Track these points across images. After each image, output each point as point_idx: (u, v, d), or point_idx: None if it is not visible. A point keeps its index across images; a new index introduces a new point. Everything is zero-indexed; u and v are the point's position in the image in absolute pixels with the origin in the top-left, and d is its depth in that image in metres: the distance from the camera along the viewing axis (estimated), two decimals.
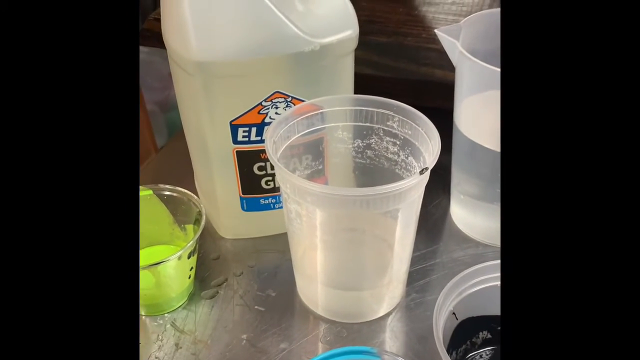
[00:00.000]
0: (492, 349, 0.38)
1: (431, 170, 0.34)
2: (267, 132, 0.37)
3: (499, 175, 0.42)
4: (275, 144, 0.37)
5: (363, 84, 0.46)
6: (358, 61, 0.56)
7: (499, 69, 0.38)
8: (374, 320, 0.41)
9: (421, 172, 0.33)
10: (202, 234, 0.44)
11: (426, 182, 0.36)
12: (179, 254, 0.38)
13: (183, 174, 0.51)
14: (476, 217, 0.47)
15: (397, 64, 0.52)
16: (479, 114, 0.43)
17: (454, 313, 0.35)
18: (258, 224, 0.47)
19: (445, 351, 0.31)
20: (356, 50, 0.45)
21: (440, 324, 0.33)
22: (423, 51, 0.49)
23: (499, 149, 0.41)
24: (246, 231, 0.48)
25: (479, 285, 0.36)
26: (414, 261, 0.45)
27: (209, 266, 0.46)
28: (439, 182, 0.51)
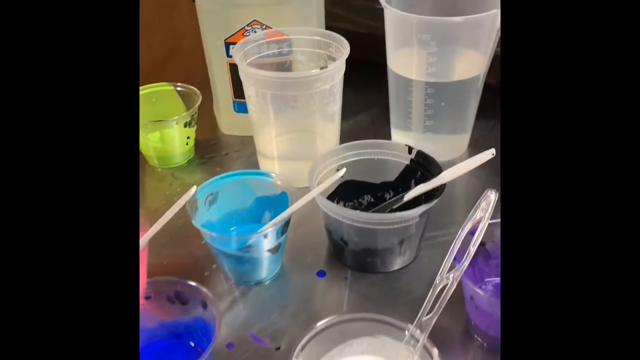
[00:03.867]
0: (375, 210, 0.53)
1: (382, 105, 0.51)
2: (239, 43, 0.55)
3: (411, 101, 0.57)
4: (245, 52, 0.56)
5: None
6: (341, 18, 0.73)
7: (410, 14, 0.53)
8: None
9: (321, 69, 0.50)
10: (209, 130, 0.63)
11: (334, 80, 0.52)
12: (176, 119, 0.58)
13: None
14: (402, 138, 0.62)
15: (370, 22, 0.69)
16: (404, 52, 0.58)
17: (338, 171, 0.51)
18: (247, 124, 0.65)
19: (314, 181, 0.47)
20: (338, 10, 0.62)
21: (317, 174, 0.49)
22: None
23: (413, 77, 0.56)
24: (238, 129, 0.67)
25: (360, 156, 0.51)
26: None
27: (208, 147, 0.66)
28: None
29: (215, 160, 0.64)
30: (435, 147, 0.60)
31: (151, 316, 0.39)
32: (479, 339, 0.41)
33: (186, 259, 0.50)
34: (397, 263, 0.48)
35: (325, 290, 0.47)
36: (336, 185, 0.52)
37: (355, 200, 0.53)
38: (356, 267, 0.48)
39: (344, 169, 0.47)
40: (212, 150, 0.65)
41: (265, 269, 0.47)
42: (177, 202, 0.40)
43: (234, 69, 0.62)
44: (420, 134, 0.59)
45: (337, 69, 0.53)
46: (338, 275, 0.48)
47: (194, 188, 0.42)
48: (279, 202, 0.48)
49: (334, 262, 0.50)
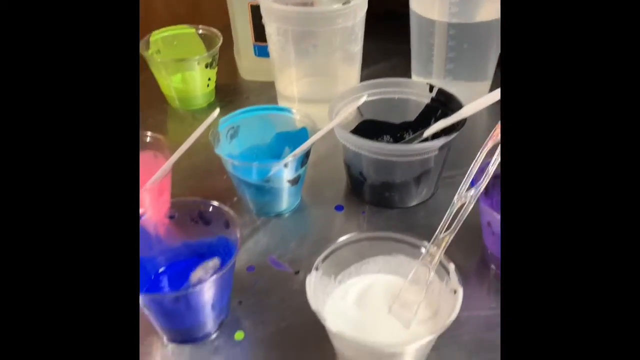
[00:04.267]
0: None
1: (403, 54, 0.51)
2: None
3: (433, 44, 0.57)
4: None
5: None
6: None
7: None
8: None
9: (344, 3, 0.50)
10: (229, 75, 0.63)
11: (356, 17, 0.52)
12: (197, 58, 0.59)
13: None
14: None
15: None
16: None
17: (358, 108, 0.51)
18: (267, 68, 0.66)
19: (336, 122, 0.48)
20: None
21: (337, 111, 0.49)
22: None
23: (435, 18, 0.56)
24: (259, 74, 0.67)
25: (380, 95, 0.51)
26: None
27: (228, 92, 0.67)
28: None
29: (235, 104, 0.64)
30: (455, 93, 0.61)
31: (175, 235, 0.40)
32: (495, 267, 0.42)
33: (208, 192, 0.51)
34: (415, 199, 0.49)
35: (342, 223, 0.48)
36: (356, 124, 0.52)
37: (375, 139, 0.54)
38: (374, 202, 0.49)
39: (365, 95, 0.47)
40: (232, 94, 0.66)
41: (285, 201, 0.48)
42: (202, 125, 0.41)
43: (255, 11, 0.62)
44: (440, 79, 0.59)
45: (360, 6, 0.53)
46: (356, 209, 0.49)
47: (217, 111, 0.42)
48: (298, 137, 0.49)
49: (352, 198, 0.50)
